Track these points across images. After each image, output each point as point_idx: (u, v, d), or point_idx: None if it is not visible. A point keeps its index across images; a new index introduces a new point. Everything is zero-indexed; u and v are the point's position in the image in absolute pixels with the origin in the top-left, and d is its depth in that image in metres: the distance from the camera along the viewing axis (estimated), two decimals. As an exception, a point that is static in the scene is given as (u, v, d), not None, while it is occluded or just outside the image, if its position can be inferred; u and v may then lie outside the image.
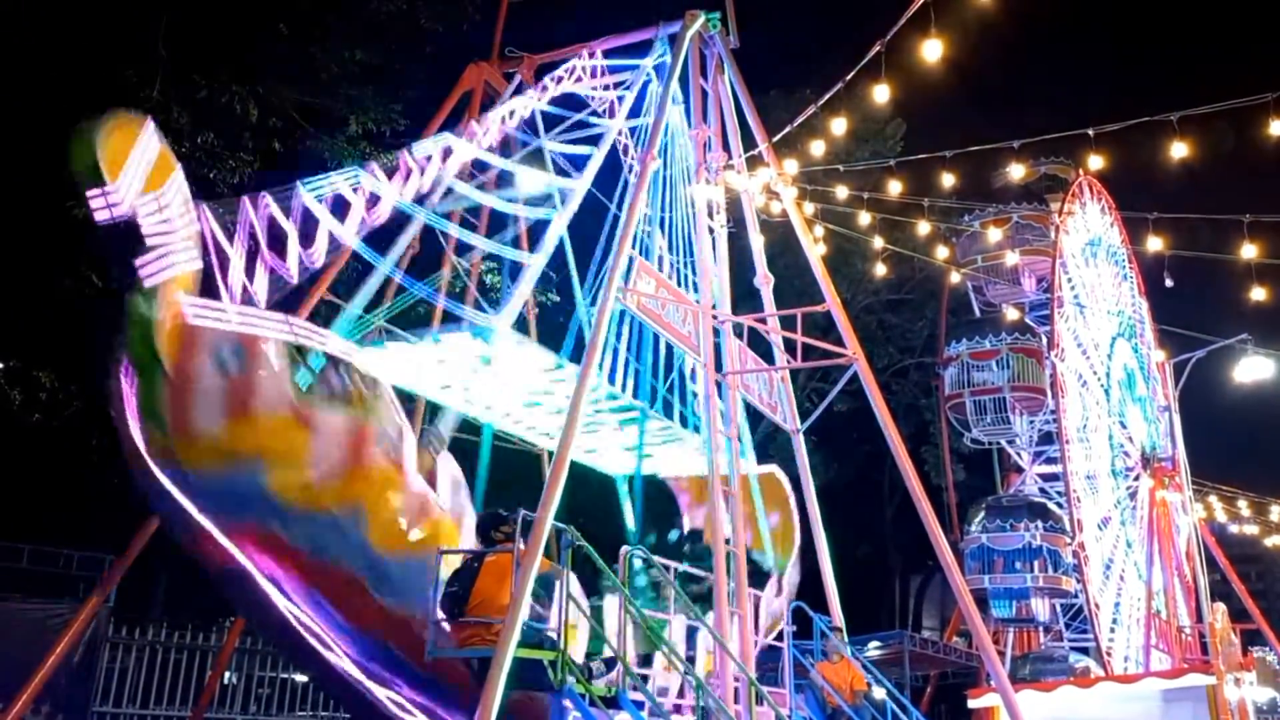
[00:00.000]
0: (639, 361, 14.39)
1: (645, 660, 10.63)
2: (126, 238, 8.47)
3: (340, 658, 10.06)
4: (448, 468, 11.78)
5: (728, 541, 11.91)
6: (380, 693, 10.19)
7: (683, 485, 16.07)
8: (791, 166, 15.38)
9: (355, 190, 10.99)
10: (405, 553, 9.96)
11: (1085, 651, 27.65)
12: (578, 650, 9.54)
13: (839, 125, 14.79)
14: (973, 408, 30.25)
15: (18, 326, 19.14)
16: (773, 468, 16.10)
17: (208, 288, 9.21)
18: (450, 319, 11.85)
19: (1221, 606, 22.50)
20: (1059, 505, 28.13)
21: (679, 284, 14.35)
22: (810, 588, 14.74)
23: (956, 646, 29.76)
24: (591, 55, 15.27)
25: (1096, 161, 13.97)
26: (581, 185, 12.88)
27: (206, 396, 8.89)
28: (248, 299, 9.59)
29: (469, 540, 10.68)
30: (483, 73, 16.24)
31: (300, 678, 18.46)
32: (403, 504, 10.15)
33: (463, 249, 14.35)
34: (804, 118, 14.24)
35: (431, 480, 11.18)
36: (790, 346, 14.57)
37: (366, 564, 9.71)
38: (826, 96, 13.25)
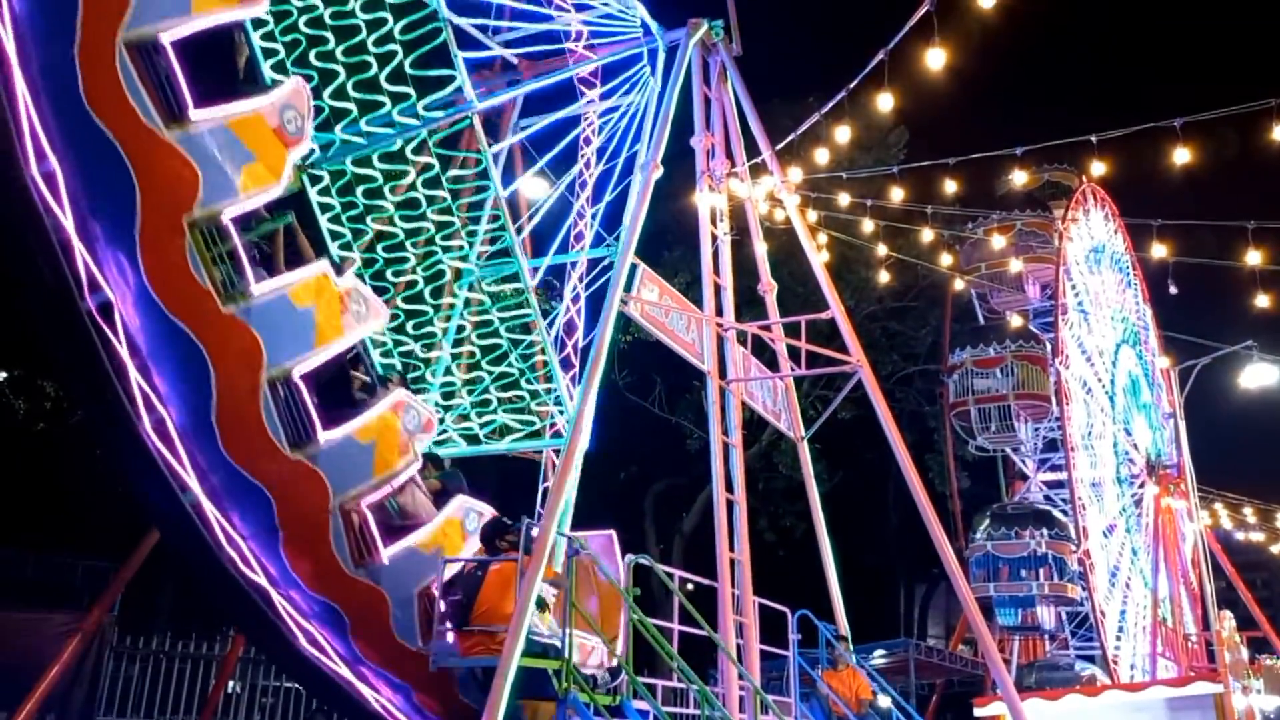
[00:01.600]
0: None
1: None
2: None
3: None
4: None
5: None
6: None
7: None
8: (795, 174, 15.39)
9: None
10: None
11: (1091, 659, 27.58)
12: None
13: (842, 133, 14.84)
14: (977, 415, 30.24)
15: (22, 335, 19.20)
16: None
17: None
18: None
19: (1228, 614, 22.42)
20: (1064, 512, 28.08)
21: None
22: (815, 596, 14.70)
23: (962, 655, 29.69)
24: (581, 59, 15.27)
25: (1100, 168, 14.02)
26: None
27: None
28: None
29: None
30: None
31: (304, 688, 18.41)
32: None
33: None
34: (807, 125, 14.28)
35: None
36: (794, 354, 14.56)
37: None
38: (830, 104, 13.30)
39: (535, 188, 15.74)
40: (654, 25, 14.89)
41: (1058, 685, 22.63)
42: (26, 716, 13.15)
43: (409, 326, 13.82)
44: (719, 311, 13.52)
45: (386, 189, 12.82)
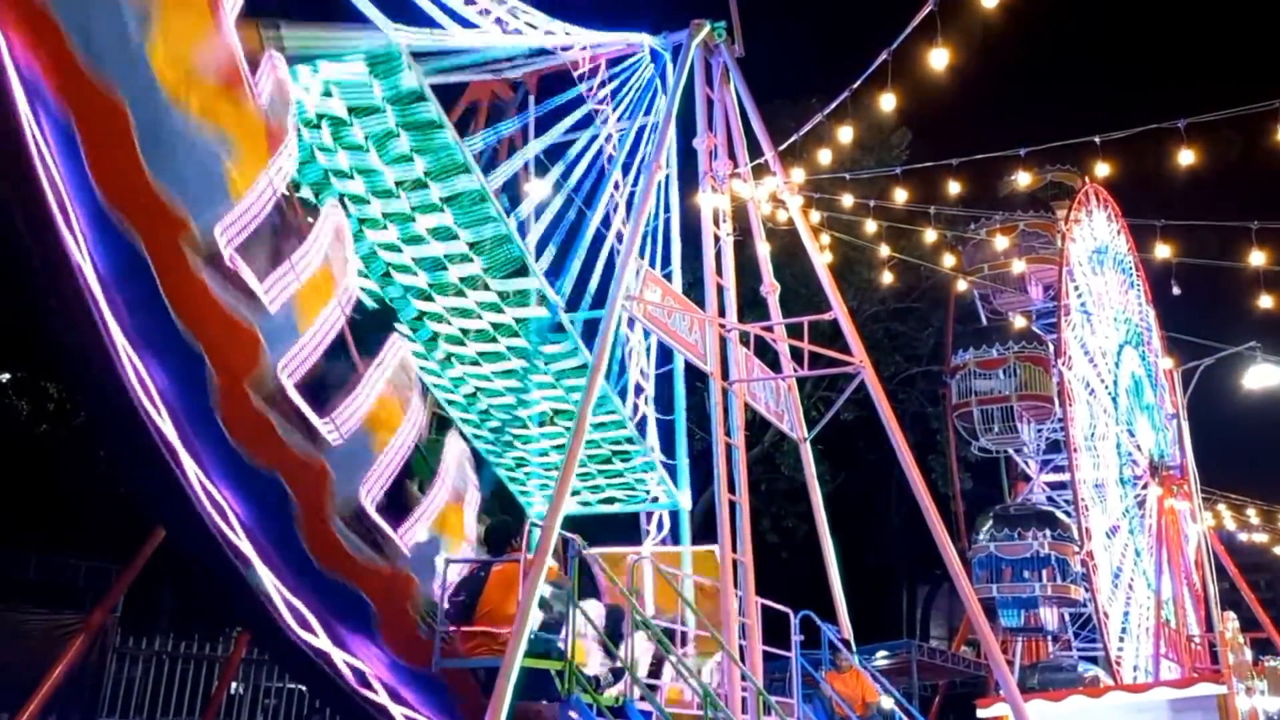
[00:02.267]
0: None
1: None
2: None
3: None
4: (454, 444, 11.65)
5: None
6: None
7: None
8: (798, 175, 15.37)
9: None
10: None
11: (1094, 660, 27.55)
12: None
13: (845, 134, 14.82)
14: (980, 416, 30.21)
15: (25, 337, 19.21)
16: (713, 548, 14.41)
17: None
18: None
19: (1231, 615, 22.38)
20: (1067, 514, 28.06)
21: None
22: (817, 596, 14.68)
23: (964, 656, 29.65)
24: (591, 60, 15.34)
25: (1103, 169, 13.96)
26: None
27: None
28: None
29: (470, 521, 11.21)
30: (489, 82, 16.27)
31: (305, 688, 18.39)
32: None
33: None
34: (810, 126, 14.25)
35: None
36: (797, 355, 14.54)
37: None
38: (833, 105, 13.27)
39: (542, 190, 15.80)
40: (659, 43, 15.04)
41: (1061, 686, 22.59)
42: (29, 717, 13.14)
43: (516, 442, 14.75)
44: (721, 312, 13.50)
45: (478, 354, 13.27)
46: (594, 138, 15.40)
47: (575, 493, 15.25)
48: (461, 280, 12.07)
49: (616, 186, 16.12)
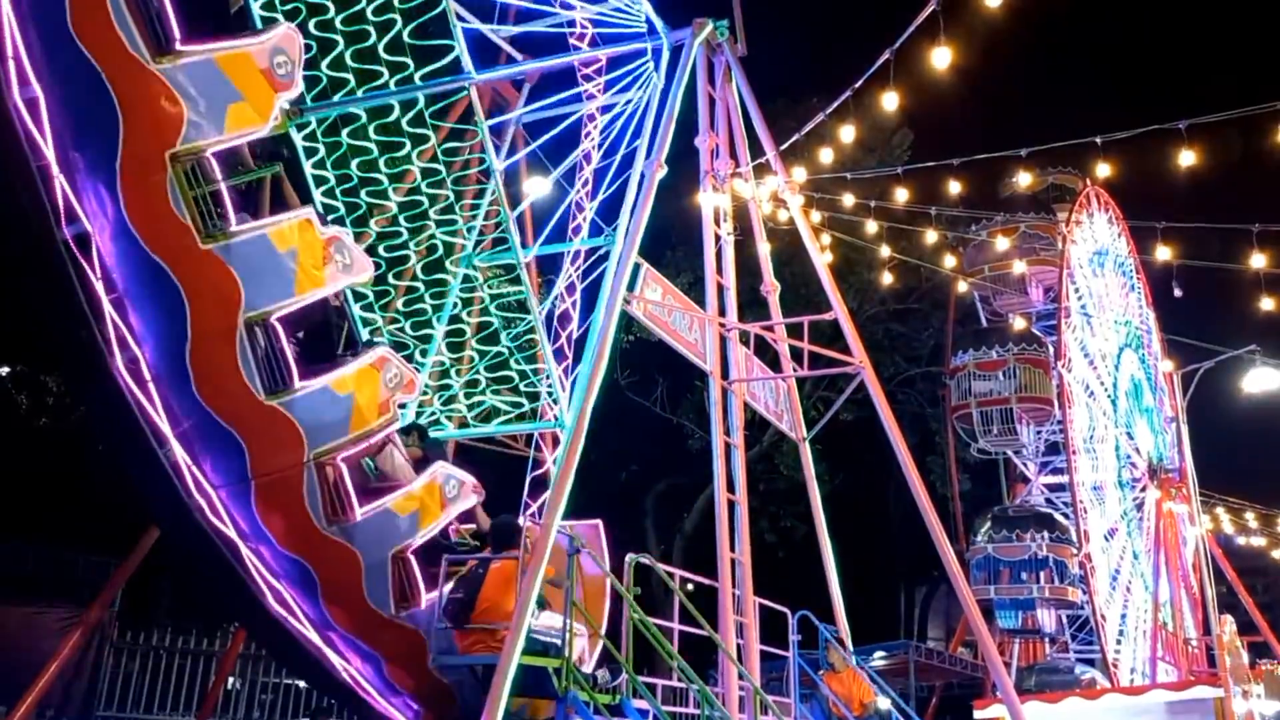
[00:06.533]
0: None
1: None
2: None
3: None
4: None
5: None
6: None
7: None
8: (799, 174, 15.36)
9: None
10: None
11: (1091, 663, 27.55)
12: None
13: (847, 133, 14.81)
14: (979, 418, 30.18)
15: (25, 330, 19.21)
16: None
17: None
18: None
19: (1229, 618, 22.38)
20: (1065, 516, 28.03)
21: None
22: (815, 597, 14.68)
23: (962, 657, 29.67)
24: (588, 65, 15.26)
25: (1105, 170, 13.93)
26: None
27: None
28: None
29: None
30: (492, 81, 16.25)
31: (304, 684, 18.44)
32: None
33: None
34: (812, 125, 14.23)
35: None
36: (797, 355, 14.53)
37: None
38: (836, 104, 13.26)
39: (536, 186, 15.74)
40: (659, 23, 14.85)
41: (1057, 688, 22.57)
42: (26, 710, 13.15)
43: (400, 304, 13.64)
44: (722, 312, 13.49)
45: (381, 162, 12.64)
46: (581, 115, 14.98)
47: (452, 397, 13.84)
48: (377, 31, 11.77)
49: (588, 157, 15.70)
